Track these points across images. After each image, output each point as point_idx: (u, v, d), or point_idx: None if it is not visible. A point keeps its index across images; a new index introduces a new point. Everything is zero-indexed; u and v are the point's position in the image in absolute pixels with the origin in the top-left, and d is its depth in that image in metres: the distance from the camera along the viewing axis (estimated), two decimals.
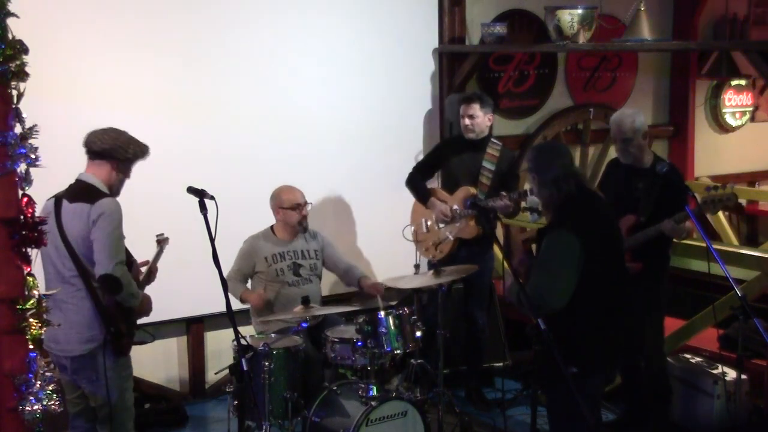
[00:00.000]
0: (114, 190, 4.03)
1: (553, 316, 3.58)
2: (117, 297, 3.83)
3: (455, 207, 5.41)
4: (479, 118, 5.43)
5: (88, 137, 3.97)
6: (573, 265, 3.64)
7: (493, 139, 5.55)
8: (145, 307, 4.14)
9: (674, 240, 4.76)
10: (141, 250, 4.61)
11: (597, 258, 3.70)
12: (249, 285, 5.39)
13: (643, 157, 4.75)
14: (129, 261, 4.05)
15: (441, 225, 5.52)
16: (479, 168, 5.47)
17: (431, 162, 5.74)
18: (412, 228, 5.71)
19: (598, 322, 3.72)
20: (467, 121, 5.44)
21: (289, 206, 5.27)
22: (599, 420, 4.18)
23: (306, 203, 5.32)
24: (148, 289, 5.39)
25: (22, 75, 2.67)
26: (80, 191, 3.90)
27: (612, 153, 7.34)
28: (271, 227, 5.38)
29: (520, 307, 3.71)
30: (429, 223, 5.60)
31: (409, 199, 5.72)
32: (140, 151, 4.03)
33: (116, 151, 3.94)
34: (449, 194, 5.54)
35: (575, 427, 3.67)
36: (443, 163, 5.64)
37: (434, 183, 5.85)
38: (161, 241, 4.35)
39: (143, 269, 4.24)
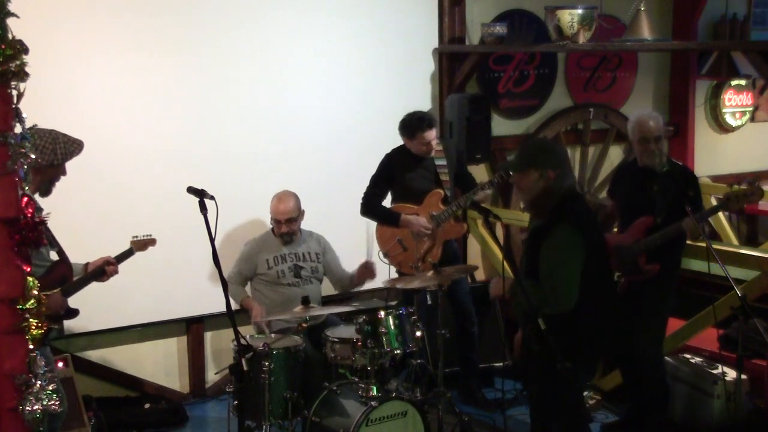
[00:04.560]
0: (42, 190, 3.91)
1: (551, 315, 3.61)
2: None
3: (433, 213, 5.33)
4: (435, 140, 5.43)
5: None
6: (578, 263, 3.67)
7: None
8: (48, 304, 3.94)
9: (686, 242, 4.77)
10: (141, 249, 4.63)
11: (594, 255, 3.73)
12: (248, 287, 5.41)
13: (660, 158, 4.77)
14: (62, 258, 3.94)
15: (423, 237, 5.35)
16: (434, 171, 5.46)
17: (384, 181, 5.47)
18: (383, 251, 5.48)
19: (593, 320, 3.74)
20: (432, 145, 5.38)
21: (273, 217, 5.31)
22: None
23: (294, 218, 5.28)
24: (145, 289, 5.42)
25: (22, 75, 2.66)
26: None
27: (612, 153, 7.39)
28: (272, 229, 5.39)
29: (523, 305, 3.70)
30: (406, 240, 5.39)
31: None
32: (68, 151, 3.89)
33: None
34: (415, 205, 5.42)
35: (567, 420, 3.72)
36: (395, 178, 5.45)
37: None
38: (138, 244, 4.39)
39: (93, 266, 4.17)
